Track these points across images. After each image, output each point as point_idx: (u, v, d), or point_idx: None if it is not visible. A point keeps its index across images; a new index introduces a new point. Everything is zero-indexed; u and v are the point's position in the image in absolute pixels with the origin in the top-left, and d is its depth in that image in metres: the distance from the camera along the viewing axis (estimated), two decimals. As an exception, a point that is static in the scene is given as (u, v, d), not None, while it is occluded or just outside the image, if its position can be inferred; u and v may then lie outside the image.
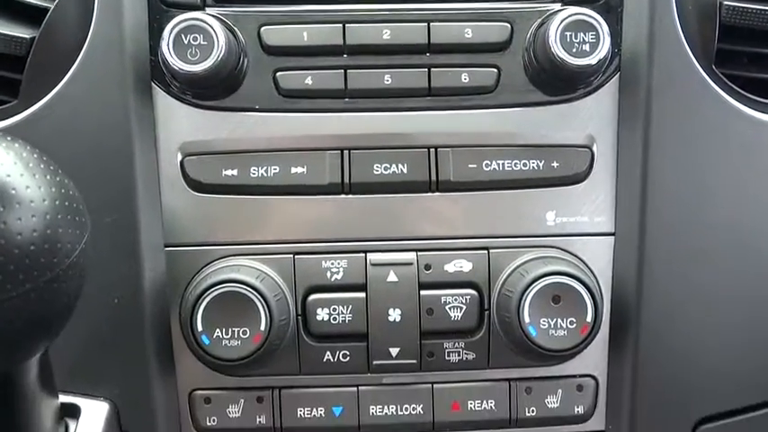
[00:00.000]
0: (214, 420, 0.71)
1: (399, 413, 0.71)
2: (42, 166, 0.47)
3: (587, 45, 0.66)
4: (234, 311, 0.66)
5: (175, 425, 0.71)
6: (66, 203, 0.48)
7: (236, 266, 0.68)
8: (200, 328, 0.66)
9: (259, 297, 0.66)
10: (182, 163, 0.70)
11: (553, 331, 0.67)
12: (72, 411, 0.68)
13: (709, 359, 0.73)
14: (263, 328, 0.65)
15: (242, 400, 0.71)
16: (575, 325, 0.67)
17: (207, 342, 0.66)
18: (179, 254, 0.70)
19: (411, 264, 0.70)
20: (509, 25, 0.70)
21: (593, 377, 0.72)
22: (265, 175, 0.70)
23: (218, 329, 0.66)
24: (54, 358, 0.62)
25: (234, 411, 0.71)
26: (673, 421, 0.72)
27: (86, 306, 0.68)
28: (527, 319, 0.66)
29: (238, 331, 0.66)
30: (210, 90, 0.68)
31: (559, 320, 0.67)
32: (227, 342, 0.66)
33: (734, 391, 0.74)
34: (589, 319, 0.67)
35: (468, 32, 0.70)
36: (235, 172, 0.70)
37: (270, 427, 0.71)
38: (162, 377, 0.69)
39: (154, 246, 0.69)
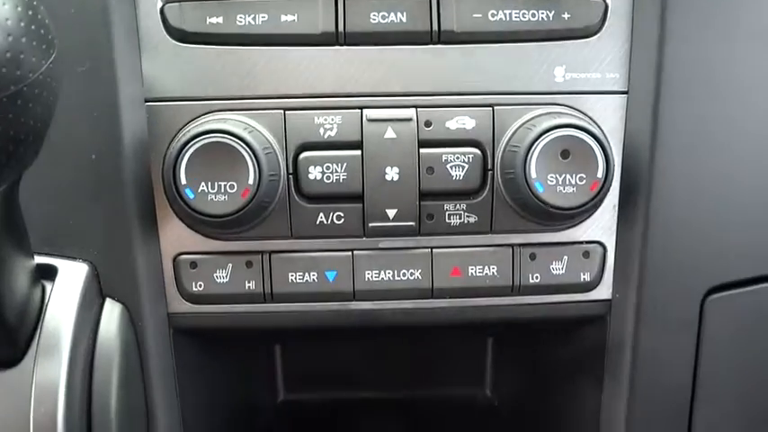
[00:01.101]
0: (200, 286, 0.67)
1: (396, 278, 0.67)
2: None
3: None
4: (220, 164, 0.61)
5: (160, 290, 0.67)
6: (33, 23, 0.44)
7: (222, 119, 0.64)
8: (183, 181, 0.61)
9: (247, 149, 0.61)
10: (162, 10, 0.65)
11: (561, 188, 0.63)
12: (49, 273, 0.64)
13: (722, 228, 0.69)
14: (251, 182, 0.61)
15: (230, 265, 0.67)
16: (584, 181, 0.63)
17: (191, 196, 0.61)
18: (161, 109, 0.65)
19: (410, 120, 0.65)
20: None
21: (601, 244, 0.69)
22: (253, 23, 0.65)
23: (203, 183, 0.61)
24: (28, 219, 0.58)
25: (221, 276, 0.67)
26: (682, 290, 0.69)
27: (61, 162, 0.64)
28: (533, 175, 0.62)
29: (225, 185, 0.61)
30: None
31: (568, 176, 0.63)
32: (213, 197, 0.61)
33: (746, 262, 0.71)
34: (600, 175, 0.63)
35: None
36: (220, 20, 0.65)
37: (259, 292, 0.67)
38: (144, 240, 0.65)
39: (133, 100, 0.64)
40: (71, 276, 0.63)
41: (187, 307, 0.68)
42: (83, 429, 0.60)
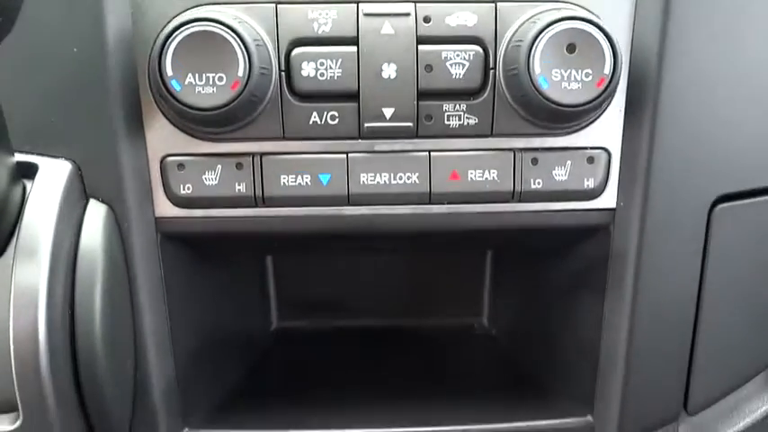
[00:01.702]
0: (189, 188, 0.64)
1: (393, 182, 0.65)
2: None
3: None
4: (208, 54, 0.58)
5: (146, 192, 0.64)
6: None
7: (212, 10, 0.61)
8: (169, 72, 0.58)
9: (237, 39, 0.58)
10: None
11: (566, 84, 0.60)
12: (29, 171, 0.61)
13: (732, 135, 0.67)
14: (240, 74, 0.58)
15: (219, 167, 0.64)
16: (590, 77, 0.60)
17: (178, 88, 0.58)
18: (146, 2, 0.62)
19: (408, 14, 0.62)
20: None
21: (606, 149, 0.66)
22: None
23: (190, 74, 0.58)
24: (9, 115, 0.55)
25: (211, 179, 0.64)
26: (689, 198, 0.66)
27: (42, 56, 0.61)
28: (537, 70, 0.59)
29: (213, 77, 0.58)
30: None
31: (574, 72, 0.60)
32: (200, 89, 0.58)
33: (756, 172, 0.68)
34: (607, 71, 0.60)
35: None
36: None
37: (250, 195, 0.64)
38: (130, 139, 0.62)
39: (117, -11, 0.61)
40: (53, 174, 0.60)
41: (175, 211, 0.65)
42: (65, 335, 0.58)
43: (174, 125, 0.63)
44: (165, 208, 0.65)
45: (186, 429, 0.69)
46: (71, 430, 0.58)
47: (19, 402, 0.56)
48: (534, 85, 0.59)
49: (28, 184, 0.60)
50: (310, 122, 0.63)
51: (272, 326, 0.99)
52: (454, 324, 0.99)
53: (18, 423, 0.56)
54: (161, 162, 0.64)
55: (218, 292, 0.81)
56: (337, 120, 0.63)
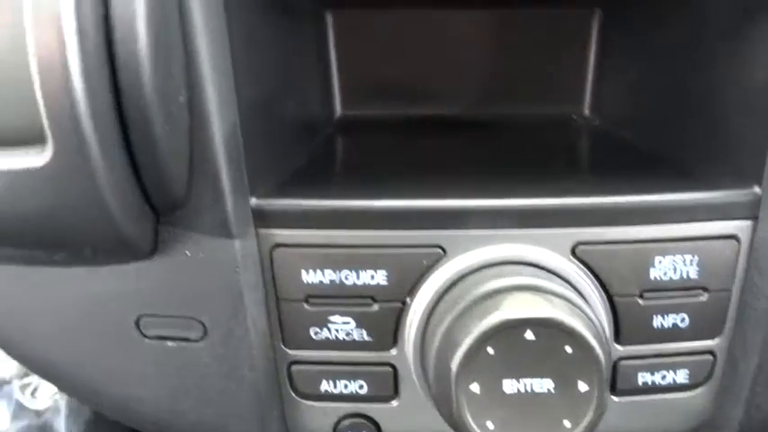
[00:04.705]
0: None
1: None
2: None
3: None
4: None
5: None
6: None
7: None
8: None
9: None
10: None
11: None
12: None
13: None
14: None
15: None
16: None
17: None
18: None
19: None
20: None
21: None
22: None
23: None
24: None
25: None
26: None
27: None
28: None
29: None
30: None
31: None
32: None
33: None
34: None
35: None
36: None
37: None
38: None
39: None
40: None
41: None
42: (101, 42, 0.43)
43: None
44: None
45: (253, 198, 0.56)
46: (114, 170, 0.45)
47: (47, 129, 0.42)
48: None
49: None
50: None
51: (335, 114, 0.84)
52: (547, 113, 0.84)
53: (48, 156, 0.43)
54: None
55: (279, 54, 0.66)
56: None
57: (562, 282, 0.53)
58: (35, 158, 0.42)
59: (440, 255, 0.55)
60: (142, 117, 0.45)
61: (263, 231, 0.55)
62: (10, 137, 0.42)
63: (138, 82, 0.43)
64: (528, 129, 0.81)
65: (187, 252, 0.54)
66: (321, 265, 0.55)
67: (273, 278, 0.56)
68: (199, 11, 0.48)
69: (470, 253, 0.55)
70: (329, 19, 0.80)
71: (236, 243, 0.54)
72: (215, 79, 0.50)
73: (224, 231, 0.53)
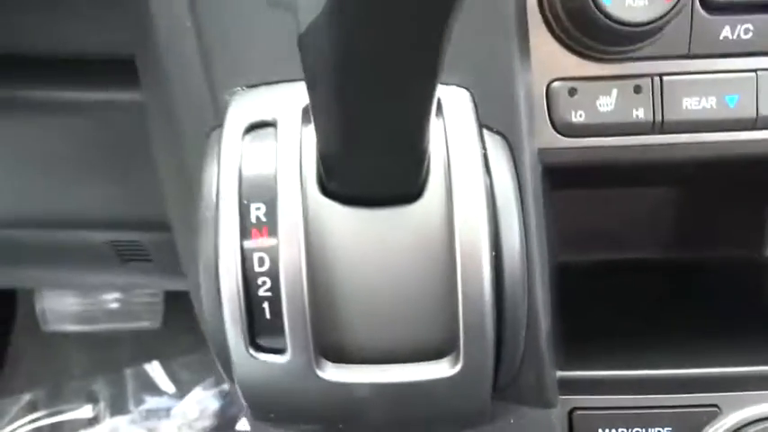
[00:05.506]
0: (581, 115, 0.60)
1: None
2: None
3: None
4: None
5: (531, 120, 0.59)
6: None
7: None
8: (599, -15, 0.53)
9: None
10: None
11: None
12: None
13: None
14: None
15: (615, 91, 0.59)
16: None
17: (608, 2, 0.53)
18: None
19: None
20: None
21: None
22: None
23: None
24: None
25: (606, 104, 0.59)
26: None
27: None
28: None
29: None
30: None
31: None
32: (631, 1, 0.53)
33: None
34: None
35: None
36: None
37: (649, 121, 0.59)
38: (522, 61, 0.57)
39: None
40: (457, 102, 0.56)
41: (561, 141, 0.61)
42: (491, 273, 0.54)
43: (565, 45, 0.58)
44: (548, 137, 0.61)
45: (559, 372, 0.66)
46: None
47: (462, 346, 0.53)
48: None
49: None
50: (720, 38, 0.58)
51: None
52: (728, 256, 0.94)
53: (458, 367, 0.53)
54: (547, 87, 0.60)
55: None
56: (750, 34, 0.58)
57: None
58: (447, 369, 0.53)
59: (716, 413, 0.65)
60: (513, 334, 0.56)
61: (562, 398, 0.65)
62: (430, 351, 0.53)
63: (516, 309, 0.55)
64: (711, 272, 0.91)
65: (511, 420, 0.64)
66: (614, 425, 0.65)
67: None
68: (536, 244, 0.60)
69: (745, 409, 0.64)
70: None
71: (553, 411, 0.64)
72: (542, 281, 0.61)
73: (543, 403, 0.63)
